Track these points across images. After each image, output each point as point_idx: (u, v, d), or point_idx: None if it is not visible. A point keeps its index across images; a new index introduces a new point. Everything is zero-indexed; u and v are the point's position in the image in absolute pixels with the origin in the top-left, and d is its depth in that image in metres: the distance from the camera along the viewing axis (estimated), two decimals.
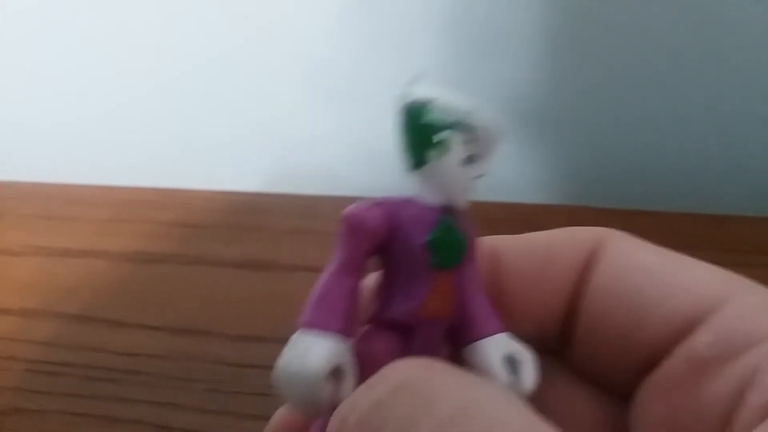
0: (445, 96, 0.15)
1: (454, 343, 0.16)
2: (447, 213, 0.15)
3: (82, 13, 0.51)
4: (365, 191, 0.50)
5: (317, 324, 0.15)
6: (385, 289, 0.16)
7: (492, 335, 0.16)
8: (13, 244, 0.48)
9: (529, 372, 0.16)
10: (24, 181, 0.54)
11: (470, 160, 0.15)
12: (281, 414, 0.18)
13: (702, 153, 0.47)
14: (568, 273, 0.18)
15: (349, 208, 0.15)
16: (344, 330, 0.15)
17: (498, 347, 0.16)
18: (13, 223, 0.50)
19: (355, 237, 0.15)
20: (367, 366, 0.15)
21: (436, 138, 0.14)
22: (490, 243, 0.18)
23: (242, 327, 0.39)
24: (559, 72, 0.47)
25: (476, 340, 0.16)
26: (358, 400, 0.14)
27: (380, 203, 0.15)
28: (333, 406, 0.14)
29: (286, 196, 0.50)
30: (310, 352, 0.14)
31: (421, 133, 0.15)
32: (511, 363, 0.16)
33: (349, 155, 0.52)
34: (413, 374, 0.14)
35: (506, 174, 0.50)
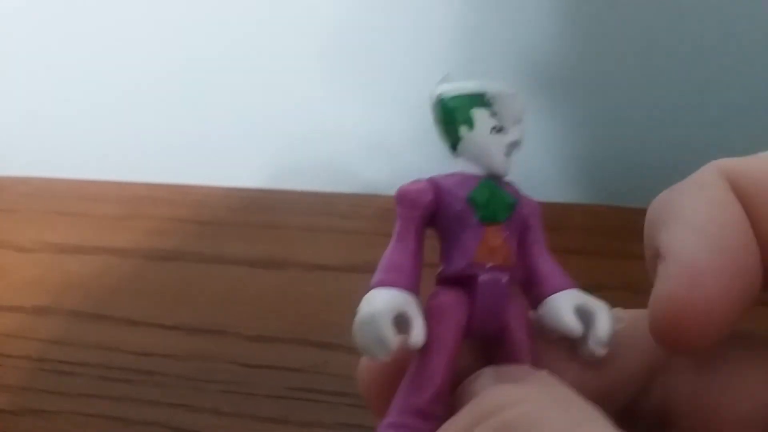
0: (466, 82, 0.17)
1: (531, 306, 0.17)
2: (489, 178, 0.17)
3: (94, 9, 0.51)
4: (378, 187, 0.49)
5: (383, 282, 0.16)
6: (443, 253, 0.17)
7: (561, 290, 0.17)
8: (25, 241, 0.48)
9: (604, 322, 0.16)
10: (37, 176, 0.53)
11: (499, 129, 0.17)
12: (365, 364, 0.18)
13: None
14: None
15: (400, 186, 0.17)
16: (410, 287, 0.16)
17: (568, 299, 0.17)
18: (26, 218, 0.50)
19: (406, 208, 0.17)
20: (436, 317, 0.16)
21: (461, 116, 0.17)
22: (721, 166, 0.16)
23: (258, 327, 0.39)
24: (584, 55, 0.46)
25: (546, 297, 0.17)
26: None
27: (428, 178, 0.17)
28: (402, 352, 0.16)
29: (301, 193, 0.49)
30: (375, 299, 0.16)
31: (449, 115, 0.17)
32: (585, 315, 0.17)
33: (360, 149, 0.51)
34: (520, 413, 0.14)
35: (526, 170, 0.49)
